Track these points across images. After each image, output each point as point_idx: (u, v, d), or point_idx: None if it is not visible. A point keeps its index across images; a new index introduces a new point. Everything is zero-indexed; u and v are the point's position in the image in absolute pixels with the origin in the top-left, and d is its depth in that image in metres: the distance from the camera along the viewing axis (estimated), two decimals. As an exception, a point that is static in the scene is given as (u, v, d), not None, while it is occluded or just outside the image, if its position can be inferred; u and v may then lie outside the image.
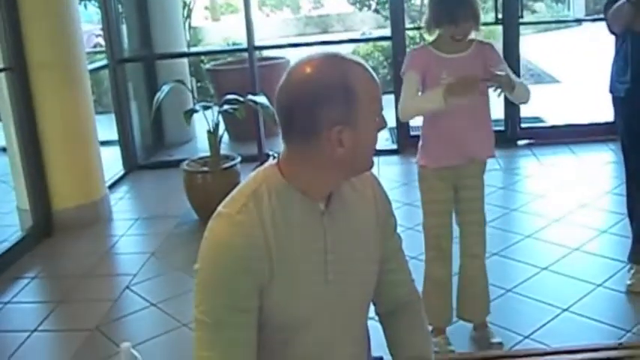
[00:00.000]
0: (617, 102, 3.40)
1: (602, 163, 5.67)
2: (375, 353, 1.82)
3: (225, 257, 1.45)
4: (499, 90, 2.70)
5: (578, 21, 15.36)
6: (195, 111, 4.77)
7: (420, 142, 2.92)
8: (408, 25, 6.74)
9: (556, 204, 4.71)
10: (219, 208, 1.52)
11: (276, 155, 1.57)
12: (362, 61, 1.49)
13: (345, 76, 1.43)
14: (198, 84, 9.12)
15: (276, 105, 1.49)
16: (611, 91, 3.45)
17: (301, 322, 1.52)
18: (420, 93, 2.78)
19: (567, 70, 10.09)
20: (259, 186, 1.50)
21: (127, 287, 3.90)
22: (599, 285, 3.52)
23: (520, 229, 4.35)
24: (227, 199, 1.54)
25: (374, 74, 1.49)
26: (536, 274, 3.70)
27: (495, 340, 3.01)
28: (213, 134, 4.70)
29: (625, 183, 3.54)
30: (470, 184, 2.91)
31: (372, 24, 15.11)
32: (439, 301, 2.96)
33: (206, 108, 4.73)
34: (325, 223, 1.53)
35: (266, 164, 1.57)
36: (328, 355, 1.59)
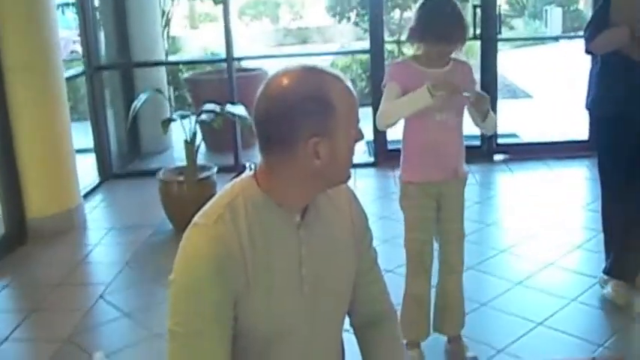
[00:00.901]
0: (601, 122, 3.44)
1: (576, 179, 5.74)
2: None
3: (200, 267, 1.44)
4: (472, 110, 2.74)
5: (556, 38, 15.59)
6: (172, 120, 4.75)
7: (403, 158, 2.90)
8: (387, 39, 6.78)
9: (531, 219, 4.75)
10: (195, 218, 1.52)
11: (253, 166, 1.56)
12: (339, 74, 1.49)
13: (323, 88, 1.44)
14: (176, 93, 9.09)
15: (253, 116, 1.49)
16: (589, 110, 3.49)
17: (277, 334, 1.52)
18: None
19: (540, 86, 10.22)
20: (236, 197, 1.50)
21: (101, 296, 3.86)
22: (572, 300, 3.55)
23: (495, 244, 4.38)
24: (203, 209, 1.53)
25: (351, 87, 1.50)
26: (511, 289, 3.72)
27: (470, 354, 3.01)
28: (190, 144, 4.68)
29: (601, 199, 3.58)
30: (452, 200, 2.91)
31: (350, 37, 15.18)
32: (418, 316, 2.96)
33: (183, 117, 4.71)
34: (301, 236, 1.53)
35: (243, 175, 1.57)
36: (303, 368, 1.58)
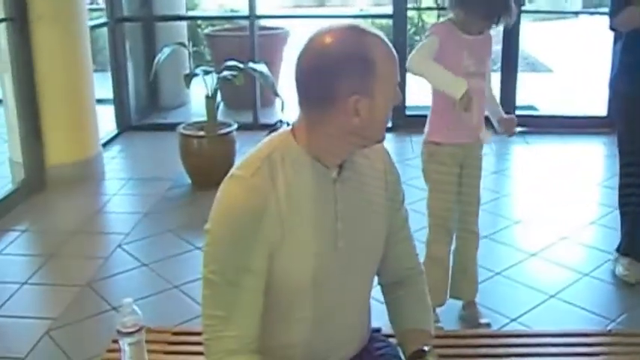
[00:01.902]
0: (621, 99, 3.42)
1: (593, 155, 5.73)
2: (373, 324, 1.85)
3: (238, 218, 1.47)
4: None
5: (576, 13, 15.40)
6: (195, 75, 4.74)
7: (431, 119, 2.90)
8: (409, 5, 6.71)
9: (546, 192, 4.76)
10: (233, 170, 1.53)
11: (289, 123, 1.58)
12: (381, 34, 1.50)
13: (365, 47, 1.45)
14: (194, 48, 9.06)
15: (295, 72, 1.50)
16: (611, 86, 3.48)
17: (308, 287, 1.55)
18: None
19: (560, 61, 10.13)
20: (273, 151, 1.52)
21: (119, 246, 3.91)
22: (586, 274, 3.58)
23: (510, 215, 4.40)
24: (241, 162, 1.55)
25: (392, 47, 1.50)
26: (525, 260, 3.74)
27: (484, 320, 3.05)
28: (211, 99, 4.69)
29: (619, 177, 3.57)
30: (474, 164, 2.94)
31: (369, 1, 15.02)
32: (438, 280, 2.97)
33: (206, 73, 4.71)
34: (337, 191, 1.55)
35: (280, 130, 1.58)
36: (331, 321, 1.61)
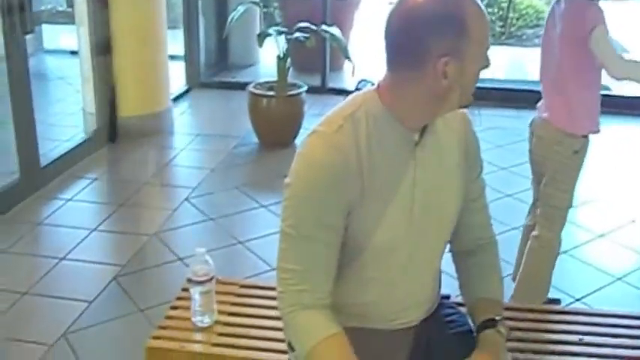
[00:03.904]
0: None
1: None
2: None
3: (319, 174, 1.47)
4: None
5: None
6: (268, 34, 4.74)
7: (580, 110, 2.67)
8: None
9: (617, 174, 4.64)
10: (316, 126, 1.53)
11: (373, 83, 1.57)
12: None
13: (460, 9, 1.42)
14: (264, 9, 9.04)
15: (385, 30, 1.48)
16: None
17: (382, 248, 1.55)
18: None
19: (635, 40, 9.79)
20: (357, 109, 1.51)
21: (186, 199, 3.98)
22: (655, 258, 3.50)
23: (580, 195, 4.28)
24: (324, 117, 1.54)
25: (486, 11, 1.47)
26: (592, 240, 3.68)
27: (554, 296, 3.01)
28: (282, 60, 4.69)
29: None
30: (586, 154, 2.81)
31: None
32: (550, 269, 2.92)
33: (280, 33, 4.71)
34: (417, 156, 1.54)
35: (365, 89, 1.57)
36: (402, 283, 1.62)
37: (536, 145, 2.81)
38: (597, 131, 2.73)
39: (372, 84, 1.57)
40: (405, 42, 1.44)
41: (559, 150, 2.70)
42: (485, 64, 1.51)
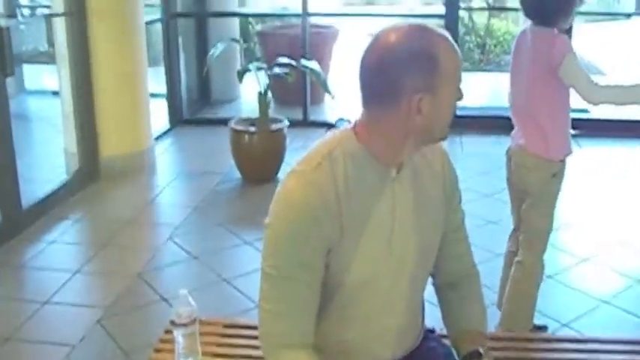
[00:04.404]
0: None
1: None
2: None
3: (297, 214, 1.47)
4: None
5: (628, 15, 15.11)
6: (248, 70, 4.78)
7: (553, 135, 2.70)
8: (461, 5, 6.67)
9: (600, 196, 4.68)
10: (294, 165, 1.54)
11: (350, 121, 1.58)
12: (446, 33, 1.49)
13: (431, 46, 1.44)
14: (245, 45, 9.12)
15: (359, 69, 1.50)
16: None
17: (363, 283, 1.55)
18: None
19: (613, 63, 9.93)
20: (335, 147, 1.52)
21: (170, 238, 3.96)
22: (638, 280, 3.51)
23: (562, 218, 4.31)
24: (302, 157, 1.55)
25: (456, 46, 1.49)
26: (577, 264, 3.69)
27: (540, 323, 3.01)
28: (263, 96, 4.72)
29: None
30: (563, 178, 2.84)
31: (418, 0, 14.93)
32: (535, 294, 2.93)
33: (259, 69, 4.74)
34: (396, 190, 1.55)
35: (342, 127, 1.58)
36: (384, 319, 1.61)
37: (514, 172, 2.84)
38: (571, 152, 2.78)
39: (349, 122, 1.59)
40: (378, 80, 1.46)
41: (537, 175, 2.73)
42: (459, 97, 1.53)
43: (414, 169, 1.59)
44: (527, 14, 2.71)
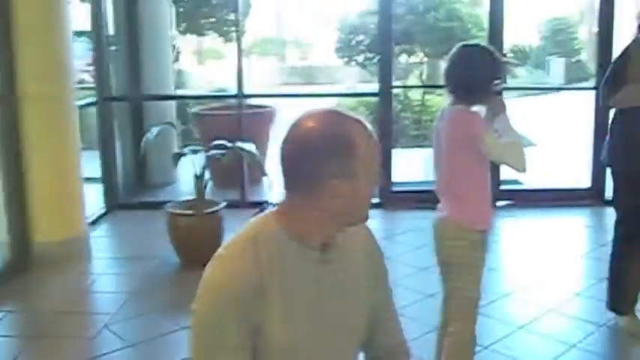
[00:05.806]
0: (626, 179, 3.52)
1: (578, 226, 5.82)
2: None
3: (222, 301, 1.49)
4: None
5: (558, 89, 15.81)
6: (183, 154, 4.81)
7: (471, 204, 2.82)
8: (395, 83, 6.89)
9: (533, 265, 4.79)
10: (219, 251, 1.56)
11: (274, 204, 1.62)
12: (361, 118, 1.56)
13: (346, 131, 1.50)
14: (182, 127, 9.18)
15: (279, 155, 1.55)
16: (610, 166, 3.57)
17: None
18: None
19: (543, 134, 10.33)
20: (258, 232, 1.55)
21: (105, 326, 3.87)
22: (573, 346, 3.58)
23: (497, 288, 4.40)
24: (226, 243, 1.58)
25: (372, 131, 1.56)
26: (513, 333, 3.74)
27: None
28: (199, 178, 4.74)
29: (617, 246, 3.66)
30: (487, 248, 2.95)
31: (356, 78, 15.36)
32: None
33: (195, 152, 4.78)
34: (320, 272, 1.58)
35: (266, 211, 1.62)
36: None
37: (439, 243, 2.92)
38: (489, 229, 2.89)
39: (273, 205, 1.62)
40: (297, 166, 1.51)
41: (460, 245, 2.81)
42: (379, 180, 1.59)
43: (339, 249, 1.62)
44: (452, 90, 2.84)
